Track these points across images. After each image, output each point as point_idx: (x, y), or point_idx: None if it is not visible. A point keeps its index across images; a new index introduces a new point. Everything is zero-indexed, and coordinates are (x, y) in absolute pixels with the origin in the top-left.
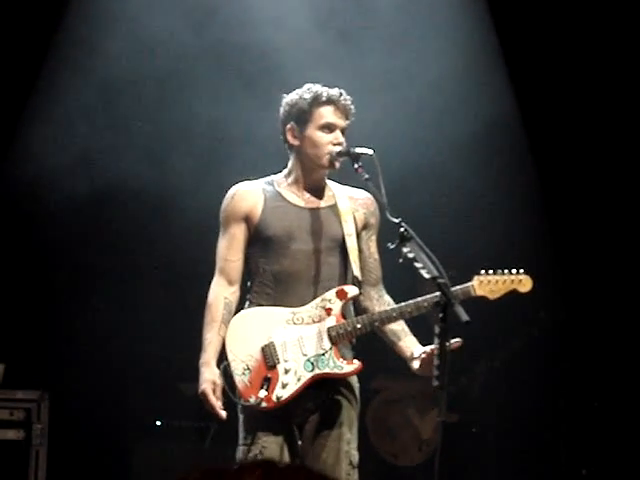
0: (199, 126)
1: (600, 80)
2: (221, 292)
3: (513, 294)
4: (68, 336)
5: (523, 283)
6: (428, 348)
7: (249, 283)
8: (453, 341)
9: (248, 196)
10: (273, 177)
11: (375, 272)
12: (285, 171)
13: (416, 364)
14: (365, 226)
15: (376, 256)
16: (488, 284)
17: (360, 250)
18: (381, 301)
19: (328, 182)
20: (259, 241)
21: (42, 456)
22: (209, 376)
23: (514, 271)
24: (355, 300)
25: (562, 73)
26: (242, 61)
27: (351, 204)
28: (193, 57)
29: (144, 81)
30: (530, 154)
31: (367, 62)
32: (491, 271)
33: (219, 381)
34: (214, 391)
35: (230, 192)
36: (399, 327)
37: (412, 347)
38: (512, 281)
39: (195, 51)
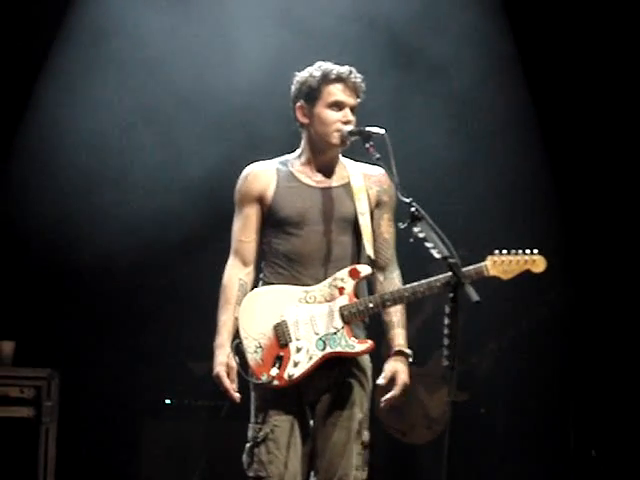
0: None
1: (612, 61)
2: (235, 273)
3: (526, 274)
4: (79, 314)
5: (537, 263)
6: (384, 376)
7: (263, 263)
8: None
9: (261, 177)
10: (288, 157)
11: (384, 253)
12: (298, 151)
13: (380, 379)
14: (378, 204)
15: (386, 236)
16: (502, 264)
17: (372, 229)
18: (385, 284)
19: (342, 159)
20: (272, 222)
21: (52, 434)
22: (223, 359)
23: (528, 251)
24: (368, 280)
25: (574, 54)
26: None
27: (365, 181)
28: None
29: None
30: (541, 132)
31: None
32: (505, 251)
33: (233, 364)
34: (228, 374)
35: (244, 173)
36: (388, 318)
37: (395, 341)
38: (526, 261)
39: None
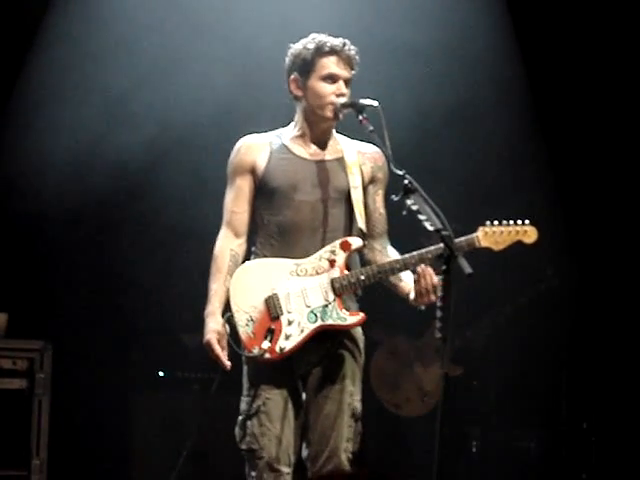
0: None
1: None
2: (227, 244)
3: (518, 245)
4: (72, 286)
5: (528, 234)
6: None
7: (255, 235)
8: None
9: (254, 149)
10: (282, 130)
11: (380, 225)
12: (292, 124)
13: (412, 295)
14: (372, 180)
15: (381, 210)
16: (493, 235)
17: (366, 204)
18: (384, 252)
19: (337, 135)
20: (264, 193)
21: (45, 406)
22: (214, 326)
23: (519, 222)
24: (360, 252)
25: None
26: None
27: (359, 157)
28: None
29: None
30: (536, 106)
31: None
32: (496, 222)
33: (224, 331)
34: (219, 341)
35: (237, 145)
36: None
37: (411, 283)
38: (517, 232)
39: None
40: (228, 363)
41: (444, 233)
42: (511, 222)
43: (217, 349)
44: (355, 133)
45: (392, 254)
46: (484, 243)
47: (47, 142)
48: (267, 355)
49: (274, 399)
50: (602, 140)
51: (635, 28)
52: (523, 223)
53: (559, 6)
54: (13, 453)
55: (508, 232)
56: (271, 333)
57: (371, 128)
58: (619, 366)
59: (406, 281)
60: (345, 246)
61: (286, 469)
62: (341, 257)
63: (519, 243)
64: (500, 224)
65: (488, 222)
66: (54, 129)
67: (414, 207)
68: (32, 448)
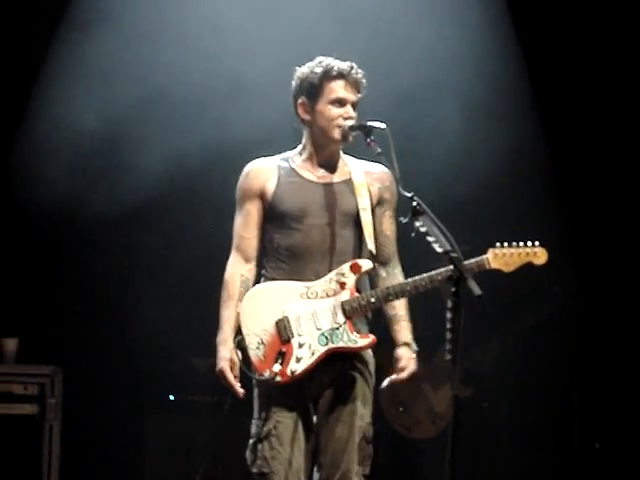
0: None
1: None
2: (237, 269)
3: (528, 267)
4: (82, 311)
5: (538, 255)
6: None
7: (264, 259)
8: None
9: (262, 173)
10: (289, 153)
11: (385, 249)
12: (299, 147)
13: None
14: (379, 201)
15: (388, 232)
16: (503, 257)
17: (374, 226)
18: (388, 279)
19: (344, 156)
20: (273, 217)
21: (56, 431)
22: (226, 354)
23: (529, 243)
24: (370, 275)
25: (574, 47)
26: None
27: (367, 178)
28: None
29: None
30: (542, 126)
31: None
32: (506, 244)
33: (236, 359)
34: (231, 369)
35: (245, 169)
36: (394, 312)
37: (399, 335)
38: (527, 254)
39: None
40: (241, 391)
41: (453, 255)
42: (521, 243)
43: (230, 378)
44: (364, 155)
45: (401, 277)
46: (494, 265)
47: (54, 166)
48: (278, 378)
49: (285, 422)
50: (608, 157)
51: None
52: (533, 244)
53: (565, 29)
54: (24, 479)
55: (518, 254)
56: (282, 356)
57: (379, 150)
58: (631, 385)
59: (395, 333)
60: (355, 268)
61: None
62: (351, 279)
63: (529, 264)
64: (510, 246)
65: (498, 244)
66: (65, 142)
67: (423, 229)
68: (43, 473)
